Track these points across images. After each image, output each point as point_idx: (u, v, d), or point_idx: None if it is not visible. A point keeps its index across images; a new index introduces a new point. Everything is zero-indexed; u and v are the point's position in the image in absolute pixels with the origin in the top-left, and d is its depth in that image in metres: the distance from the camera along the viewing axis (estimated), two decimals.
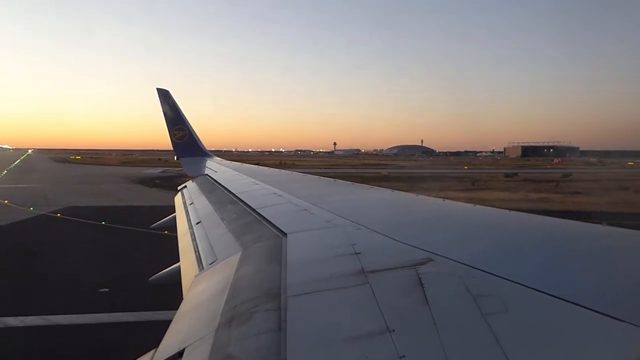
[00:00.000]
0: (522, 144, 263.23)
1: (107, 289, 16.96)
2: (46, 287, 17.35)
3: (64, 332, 13.52)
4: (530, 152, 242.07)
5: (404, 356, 1.69)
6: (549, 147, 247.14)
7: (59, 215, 33.95)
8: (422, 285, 2.23)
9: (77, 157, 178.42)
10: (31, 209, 36.01)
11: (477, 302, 2.01)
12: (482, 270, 2.35)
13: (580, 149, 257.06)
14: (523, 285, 2.14)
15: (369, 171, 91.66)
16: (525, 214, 4.11)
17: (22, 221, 31.50)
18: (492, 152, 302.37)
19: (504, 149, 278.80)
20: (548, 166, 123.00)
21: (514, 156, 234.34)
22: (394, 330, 1.85)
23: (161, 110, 16.57)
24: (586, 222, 3.50)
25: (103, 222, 30.35)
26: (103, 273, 19.01)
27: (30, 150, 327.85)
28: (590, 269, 2.50)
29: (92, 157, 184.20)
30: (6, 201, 40.53)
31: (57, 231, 28.89)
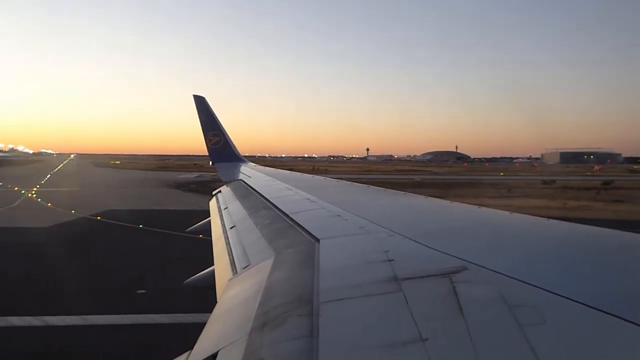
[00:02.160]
0: (560, 150, 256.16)
1: (144, 291, 17.38)
2: (84, 287, 17.87)
3: (101, 331, 13.92)
4: (569, 158, 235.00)
5: None
6: (589, 154, 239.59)
7: (98, 218, 35.06)
8: (456, 294, 2.19)
9: (116, 162, 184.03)
10: (73, 211, 37.31)
11: (513, 313, 1.96)
12: (519, 280, 2.29)
13: (623, 156, 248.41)
14: (562, 296, 2.07)
15: (401, 177, 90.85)
16: (565, 222, 3.98)
17: (64, 223, 32.70)
18: (529, 158, 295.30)
19: (542, 155, 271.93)
20: (588, 173, 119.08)
21: (552, 162, 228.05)
22: (427, 339, 1.82)
23: (197, 116, 16.91)
24: (630, 232, 3.37)
25: (140, 225, 31.16)
26: (141, 275, 19.50)
27: (72, 155, 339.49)
28: (634, 280, 2.40)
29: (130, 162, 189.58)
30: (49, 204, 42.15)
31: (96, 234, 29.81)
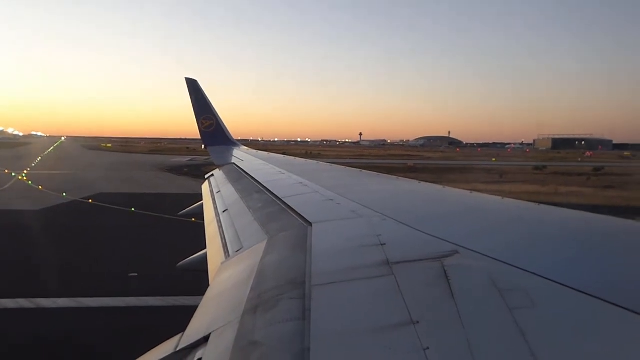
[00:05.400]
0: (552, 136, 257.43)
1: (136, 274, 17.39)
2: (75, 270, 17.85)
3: (94, 314, 13.95)
4: (560, 144, 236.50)
5: (428, 348, 1.67)
6: (580, 140, 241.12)
7: (90, 201, 34.87)
8: (447, 277, 2.20)
9: (107, 145, 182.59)
10: (64, 194, 37.07)
11: (503, 296, 1.97)
12: (509, 264, 2.31)
13: (614, 142, 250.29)
14: (551, 280, 2.09)
15: (394, 162, 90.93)
16: (555, 207, 4.01)
17: (55, 206, 32.49)
18: (522, 144, 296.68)
19: (534, 141, 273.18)
20: (579, 159, 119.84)
21: (544, 148, 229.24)
22: (418, 322, 1.84)
23: (189, 99, 16.75)
24: (618, 217, 3.41)
25: (132, 209, 31.03)
26: (132, 258, 19.49)
27: (63, 138, 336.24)
28: (621, 265, 2.43)
29: (122, 145, 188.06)
30: (40, 187, 41.82)
31: (88, 217, 29.68)
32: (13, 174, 51.65)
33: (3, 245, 21.21)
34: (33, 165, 68.57)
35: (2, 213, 29.38)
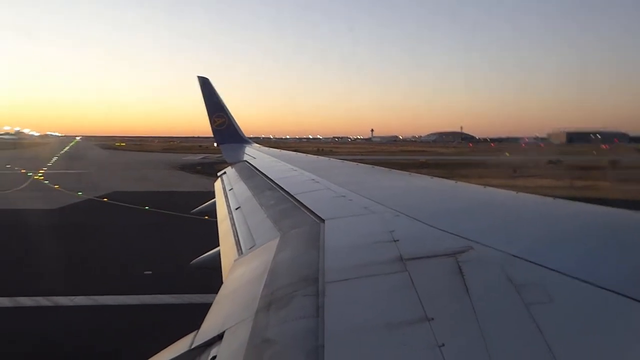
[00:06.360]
0: (566, 130, 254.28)
1: (150, 272, 17.54)
2: (92, 268, 18.06)
3: (110, 312, 14.11)
4: (575, 138, 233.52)
5: (443, 345, 1.66)
6: (595, 133, 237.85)
7: (105, 200, 35.27)
8: (462, 273, 2.18)
9: (121, 144, 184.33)
10: (79, 193, 37.54)
11: (519, 292, 1.95)
12: (525, 260, 2.28)
13: (630, 135, 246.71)
14: (567, 275, 2.07)
15: (406, 158, 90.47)
16: (570, 201, 3.94)
17: (71, 205, 32.91)
18: (535, 138, 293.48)
19: (548, 135, 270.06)
20: (594, 152, 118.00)
21: (558, 142, 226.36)
22: (433, 319, 1.83)
23: (202, 97, 16.83)
24: (636, 211, 3.34)
25: (147, 207, 31.31)
26: (147, 256, 19.67)
27: (78, 138, 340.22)
28: (639, 259, 2.39)
29: (136, 144, 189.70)
30: (57, 186, 42.38)
31: (103, 215, 30.03)
32: (30, 174, 52.39)
33: (20, 244, 21.52)
34: (49, 164, 69.44)
35: (20, 212, 29.82)
